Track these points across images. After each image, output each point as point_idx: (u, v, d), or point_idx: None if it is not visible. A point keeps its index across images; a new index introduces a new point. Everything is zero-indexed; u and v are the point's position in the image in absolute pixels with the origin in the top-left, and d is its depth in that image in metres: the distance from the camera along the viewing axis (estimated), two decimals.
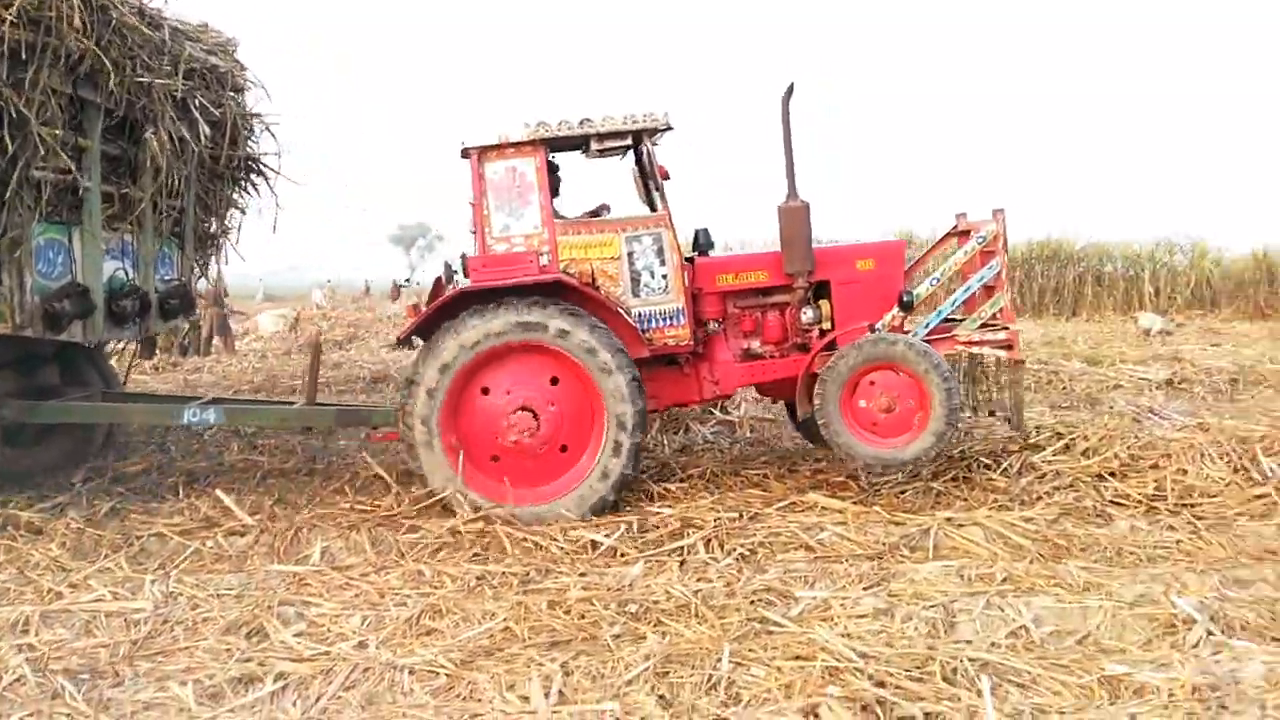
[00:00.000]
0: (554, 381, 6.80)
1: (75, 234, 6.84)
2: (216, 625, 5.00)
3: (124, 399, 8.60)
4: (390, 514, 6.82)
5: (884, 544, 5.95)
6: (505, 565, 5.85)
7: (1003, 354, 7.26)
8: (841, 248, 7.81)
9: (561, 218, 7.06)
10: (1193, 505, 6.41)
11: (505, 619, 4.94)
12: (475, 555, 6.06)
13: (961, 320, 7.34)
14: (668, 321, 7.02)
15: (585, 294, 6.82)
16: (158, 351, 15.35)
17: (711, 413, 9.59)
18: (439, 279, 7.50)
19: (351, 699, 4.17)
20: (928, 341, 6.92)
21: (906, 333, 7.07)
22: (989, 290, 7.29)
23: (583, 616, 4.98)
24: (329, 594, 5.46)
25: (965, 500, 6.73)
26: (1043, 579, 5.26)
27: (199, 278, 9.16)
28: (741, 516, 6.55)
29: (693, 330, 7.08)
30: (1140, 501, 6.49)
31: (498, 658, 4.50)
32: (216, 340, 17.57)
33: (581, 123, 6.92)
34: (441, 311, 6.79)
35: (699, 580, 5.45)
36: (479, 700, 4.11)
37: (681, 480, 7.45)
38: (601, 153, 7.22)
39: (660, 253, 6.99)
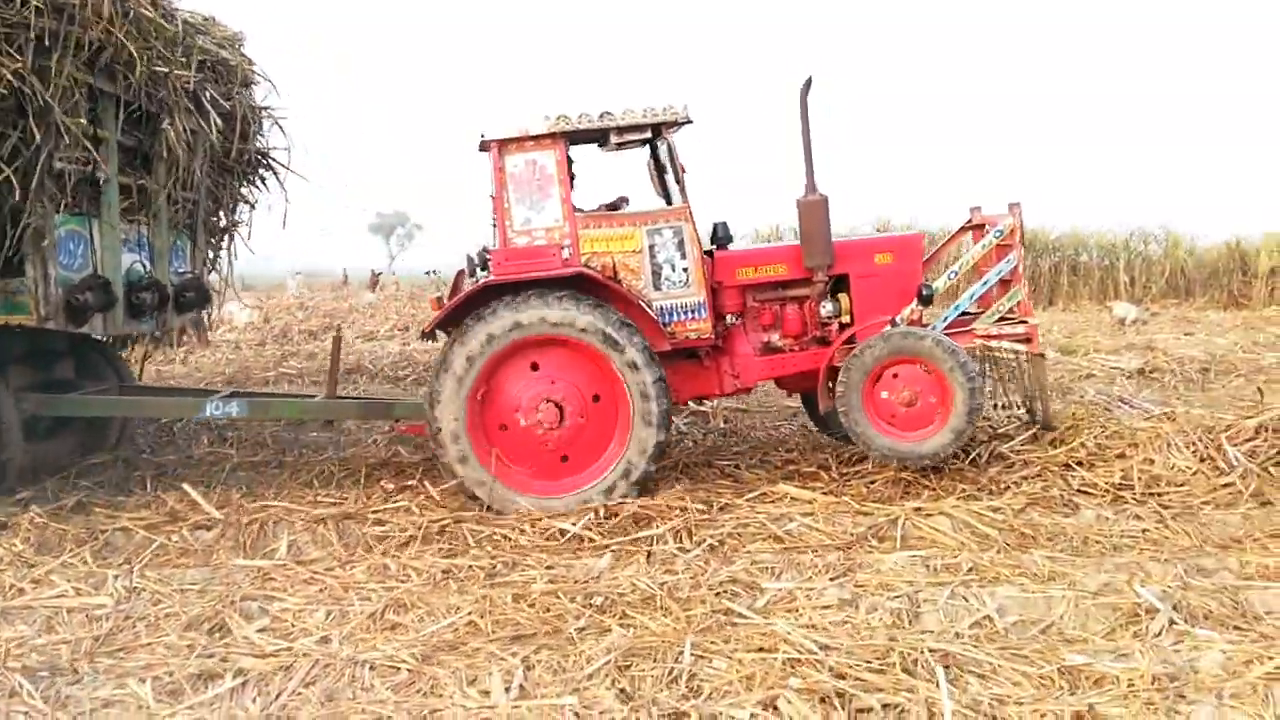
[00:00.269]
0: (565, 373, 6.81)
1: (94, 225, 6.84)
2: (178, 621, 4.96)
3: (141, 392, 8.63)
4: (362, 509, 6.77)
5: (852, 534, 5.97)
6: (472, 559, 5.82)
7: (1022, 347, 7.26)
8: (860, 241, 7.85)
9: (581, 210, 7.05)
10: (1159, 494, 6.44)
11: (470, 613, 4.92)
12: (443, 549, 6.04)
13: (978, 314, 7.36)
14: (689, 315, 7.01)
15: (608, 287, 6.82)
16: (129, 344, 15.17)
17: (685, 403, 9.57)
18: (461, 272, 7.54)
19: (311, 695, 4.14)
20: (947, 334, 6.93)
21: (925, 326, 7.07)
22: (1005, 284, 7.31)
23: (548, 610, 4.96)
24: (293, 589, 5.42)
25: (934, 490, 6.74)
26: (1008, 569, 5.28)
27: (209, 271, 9.12)
28: (711, 507, 6.56)
29: (713, 324, 7.09)
30: (1107, 490, 6.52)
31: (460, 652, 4.48)
32: (190, 331, 17.36)
33: (602, 115, 6.88)
34: (465, 305, 6.79)
35: (666, 572, 5.44)
36: (439, 695, 4.08)
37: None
38: (620, 146, 7.18)
39: (681, 246, 6.97)
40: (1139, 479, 6.59)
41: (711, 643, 4.40)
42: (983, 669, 4.11)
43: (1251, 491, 6.34)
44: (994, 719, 3.76)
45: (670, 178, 7.21)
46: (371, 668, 4.33)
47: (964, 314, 7.44)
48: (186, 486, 7.09)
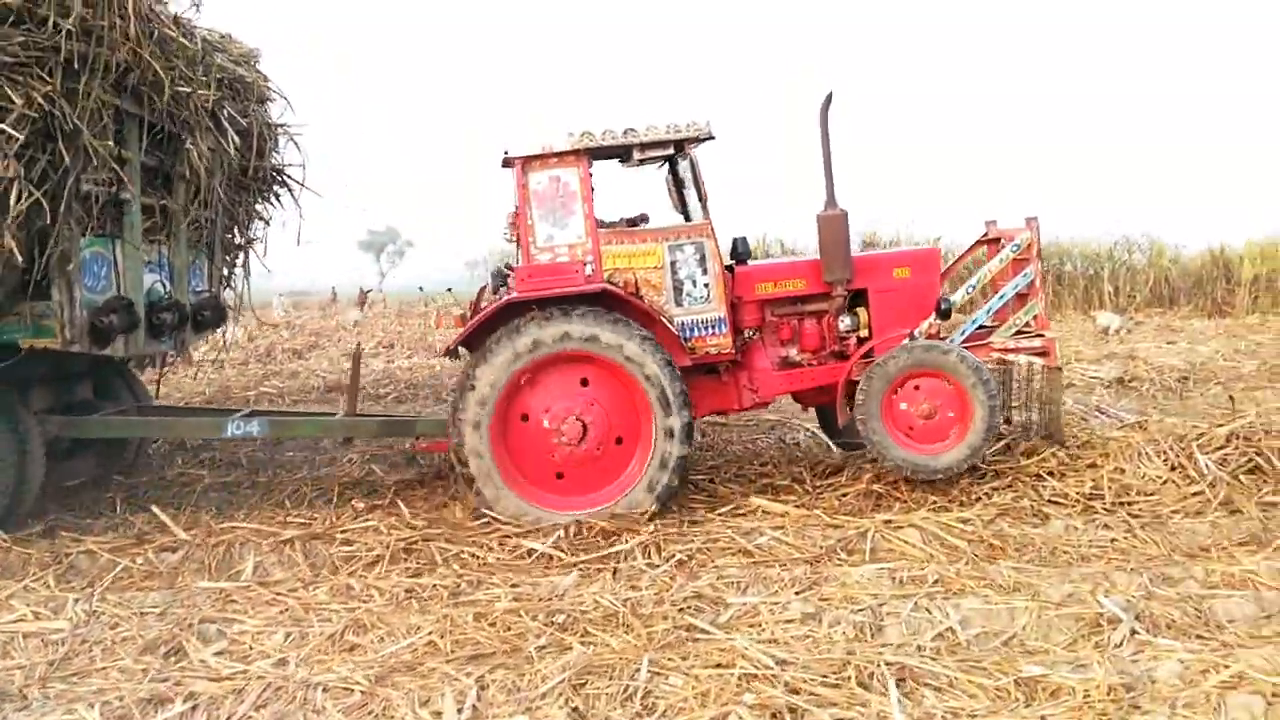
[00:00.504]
0: (584, 385, 6.81)
1: (118, 247, 6.82)
2: (135, 645, 4.89)
3: (159, 413, 8.59)
4: (330, 528, 6.72)
5: (821, 547, 5.94)
6: (438, 577, 5.78)
7: (1038, 361, 7.26)
8: (879, 255, 7.87)
9: (604, 226, 7.06)
10: (1129, 504, 6.43)
11: (430, 633, 4.87)
12: (409, 569, 5.99)
13: (993, 328, 7.36)
14: (710, 330, 7.01)
15: (630, 304, 6.83)
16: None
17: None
18: (483, 289, 7.54)
19: (261, 718, 4.09)
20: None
21: (943, 340, 7.06)
22: (1021, 298, 7.31)
23: (508, 629, 4.92)
24: (254, 610, 5.36)
25: (905, 502, 6.72)
26: (973, 580, 5.26)
27: (224, 288, 9.09)
28: (681, 522, 6.53)
29: (734, 339, 7.09)
30: (1078, 500, 6.51)
31: (416, 673, 4.43)
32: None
33: (625, 132, 6.90)
34: (488, 322, 6.79)
35: (630, 588, 5.41)
36: (391, 717, 4.03)
37: None
38: (642, 162, 7.19)
39: (703, 261, 6.97)
40: (1109, 488, 6.58)
41: (669, 659, 4.36)
42: (940, 681, 4.08)
43: (1221, 500, 6.34)
44: None
45: (690, 193, 7.23)
46: (325, 690, 4.27)
47: (980, 327, 7.45)
48: (155, 509, 7.04)
